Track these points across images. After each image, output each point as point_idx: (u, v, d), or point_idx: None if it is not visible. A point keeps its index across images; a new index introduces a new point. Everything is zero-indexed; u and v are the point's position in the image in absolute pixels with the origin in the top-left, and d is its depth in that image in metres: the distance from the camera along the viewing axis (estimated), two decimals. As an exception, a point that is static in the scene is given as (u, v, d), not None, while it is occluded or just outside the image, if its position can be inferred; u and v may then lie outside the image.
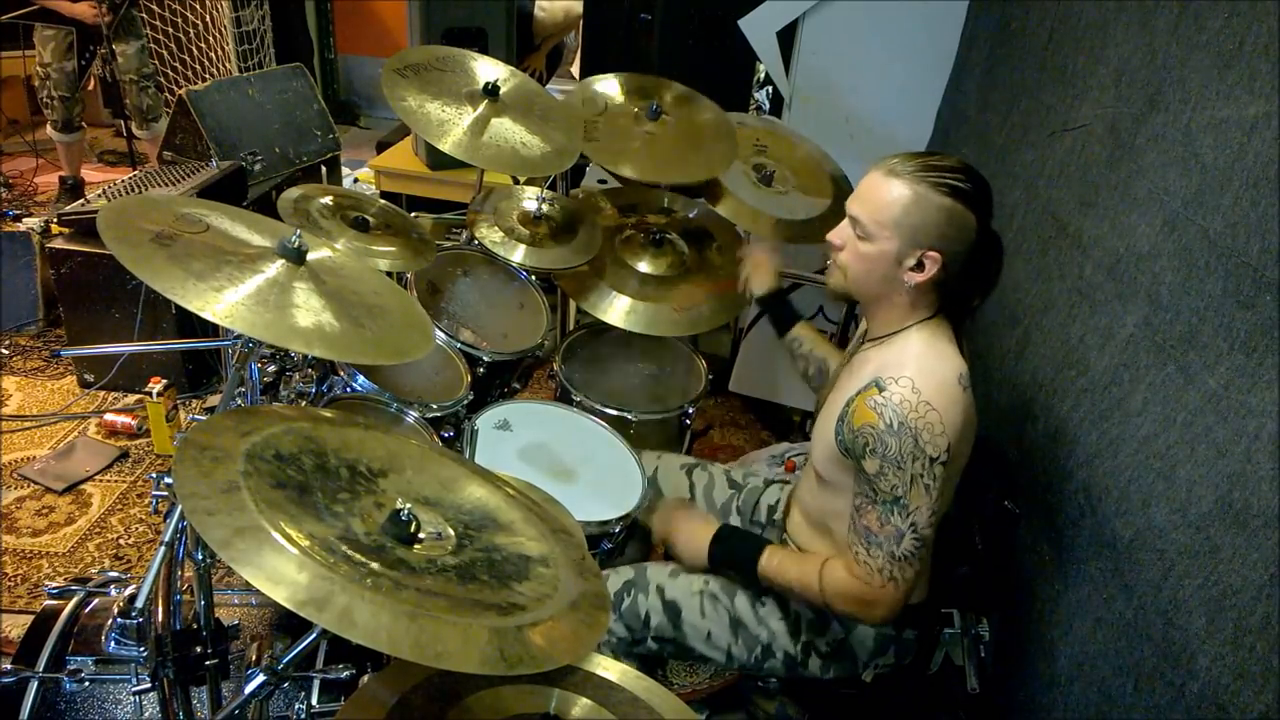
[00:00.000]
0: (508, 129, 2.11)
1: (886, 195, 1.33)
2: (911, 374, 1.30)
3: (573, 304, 2.82)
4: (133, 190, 2.98)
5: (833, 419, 1.39)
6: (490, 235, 2.11)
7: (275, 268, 1.23)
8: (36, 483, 2.54)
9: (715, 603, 1.56)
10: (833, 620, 1.50)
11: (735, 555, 1.53)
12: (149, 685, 1.31)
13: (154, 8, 3.87)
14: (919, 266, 1.34)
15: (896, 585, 1.34)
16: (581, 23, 4.18)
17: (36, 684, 1.35)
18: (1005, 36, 2.25)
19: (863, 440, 1.31)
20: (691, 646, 1.57)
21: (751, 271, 1.91)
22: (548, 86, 4.35)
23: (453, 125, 2.06)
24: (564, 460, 1.84)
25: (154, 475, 1.48)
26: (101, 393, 2.95)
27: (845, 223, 1.41)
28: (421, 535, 0.98)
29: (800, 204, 2.28)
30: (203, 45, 3.97)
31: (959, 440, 1.31)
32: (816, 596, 1.41)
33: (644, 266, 2.23)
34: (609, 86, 2.37)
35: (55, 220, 3.02)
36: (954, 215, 1.31)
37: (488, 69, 2.24)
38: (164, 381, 2.61)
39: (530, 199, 2.24)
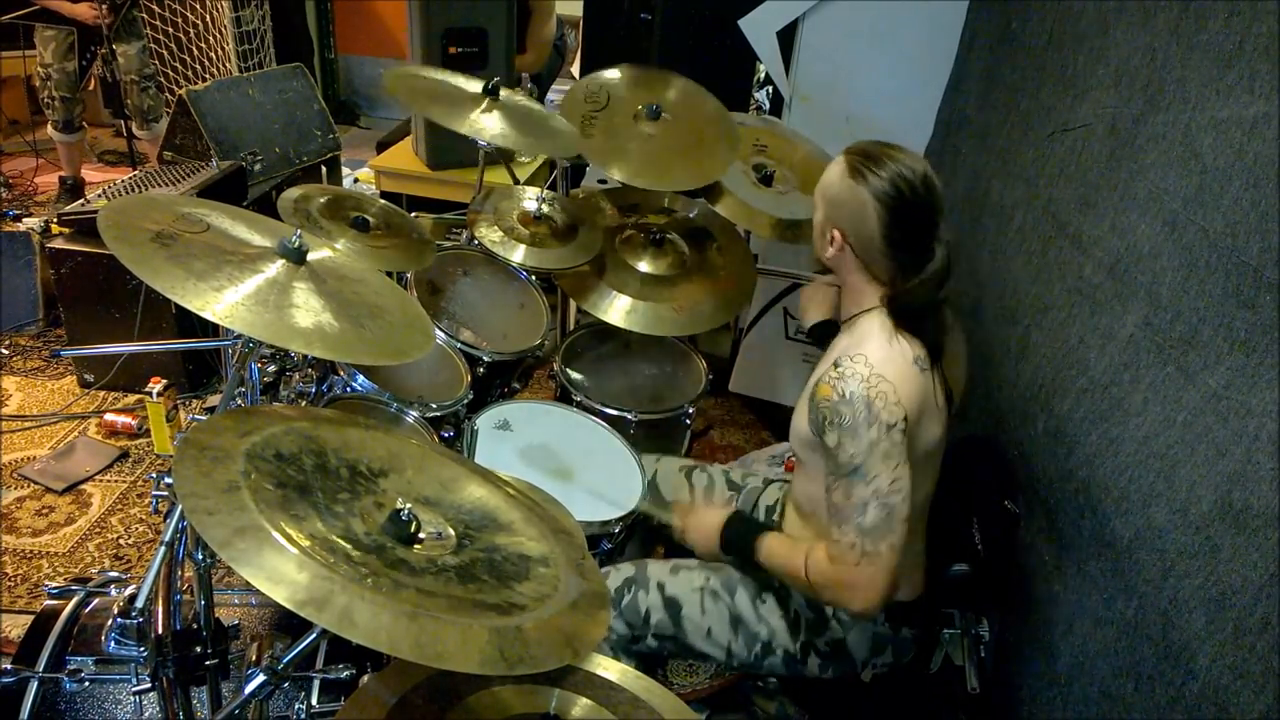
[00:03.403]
0: (517, 117, 2.14)
1: (830, 168, 1.44)
2: (866, 352, 1.35)
3: (573, 304, 2.82)
4: (133, 190, 2.98)
5: (805, 401, 1.43)
6: (490, 235, 2.11)
7: (275, 268, 1.23)
8: (36, 483, 2.54)
9: (716, 600, 1.56)
10: (831, 619, 1.51)
11: (739, 541, 1.52)
12: (149, 685, 1.31)
13: (154, 8, 3.87)
14: (831, 240, 1.43)
15: (871, 561, 1.30)
16: (581, 22, 4.18)
17: (36, 684, 1.35)
18: (1005, 37, 2.25)
19: (822, 415, 1.34)
20: (691, 643, 1.57)
21: (809, 302, 1.92)
22: (550, 90, 4.36)
23: (463, 115, 2.09)
24: (564, 460, 1.84)
25: (154, 475, 1.48)
26: (101, 393, 2.95)
27: None
28: (422, 535, 0.98)
29: (801, 204, 2.28)
30: (203, 45, 3.97)
31: (916, 413, 1.33)
32: (804, 583, 1.40)
33: (644, 266, 2.23)
34: (613, 77, 2.37)
35: (55, 220, 3.02)
36: (856, 200, 1.37)
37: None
38: (164, 381, 2.61)
39: (530, 199, 2.24)
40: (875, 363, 1.33)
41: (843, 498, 1.32)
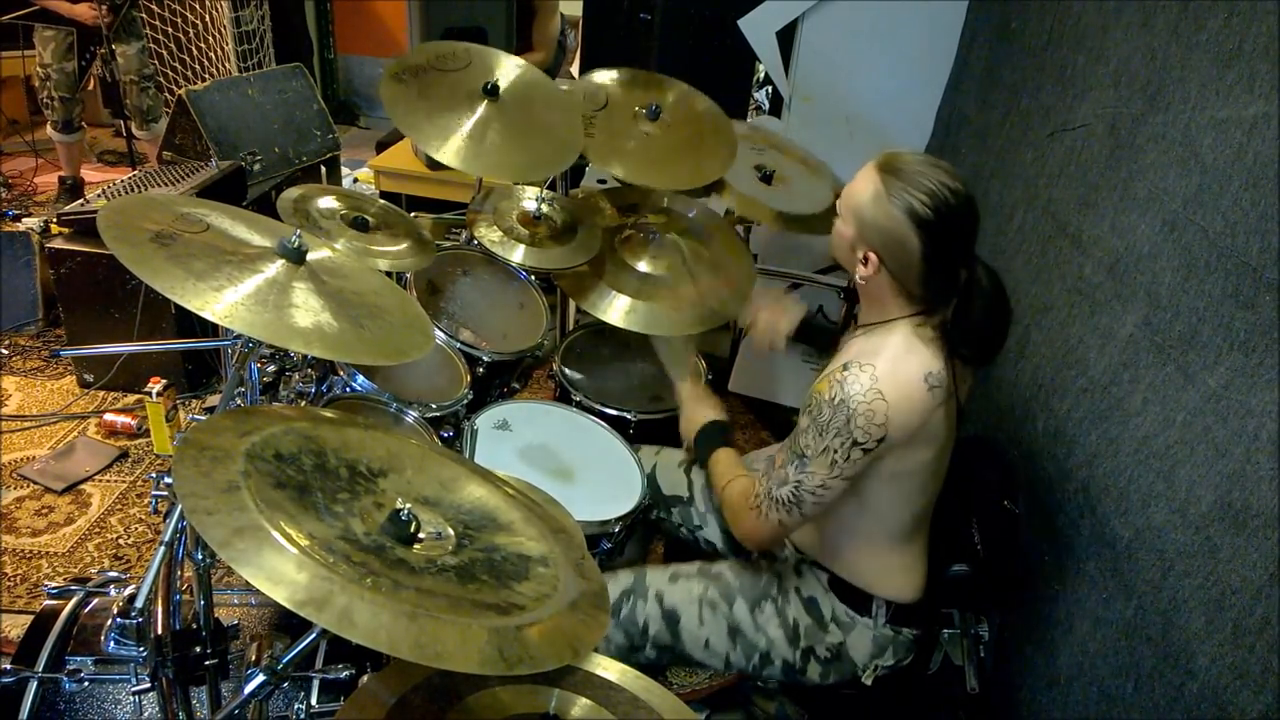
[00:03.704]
0: (508, 132, 2.10)
1: (861, 183, 1.37)
2: (877, 363, 1.33)
3: (572, 304, 2.82)
4: (132, 190, 2.98)
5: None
6: (490, 235, 2.11)
7: (275, 268, 1.23)
8: (36, 483, 2.54)
9: (714, 610, 1.56)
10: (830, 622, 1.51)
11: (704, 446, 1.71)
12: (148, 685, 1.31)
13: (154, 8, 3.87)
14: (864, 261, 1.38)
15: (762, 519, 1.45)
16: (581, 22, 4.19)
17: (36, 684, 1.35)
18: (1005, 36, 2.25)
19: (807, 401, 1.38)
20: (690, 654, 1.57)
21: (773, 320, 1.89)
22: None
23: (452, 134, 2.03)
24: (564, 460, 1.84)
25: (154, 475, 1.48)
26: (101, 393, 2.95)
27: None
28: (421, 535, 0.98)
29: (803, 198, 2.28)
30: (202, 45, 3.97)
31: (902, 435, 1.33)
32: (719, 492, 1.60)
33: (644, 266, 2.23)
34: (609, 80, 2.35)
35: (55, 220, 3.02)
36: (896, 229, 1.32)
37: (487, 63, 2.22)
38: (164, 381, 2.60)
39: (530, 199, 2.23)
40: (881, 376, 1.31)
41: (781, 464, 1.42)
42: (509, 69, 2.19)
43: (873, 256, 1.36)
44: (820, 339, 1.90)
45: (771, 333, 1.89)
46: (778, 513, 1.42)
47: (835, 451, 1.33)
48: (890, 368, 1.32)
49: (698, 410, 1.79)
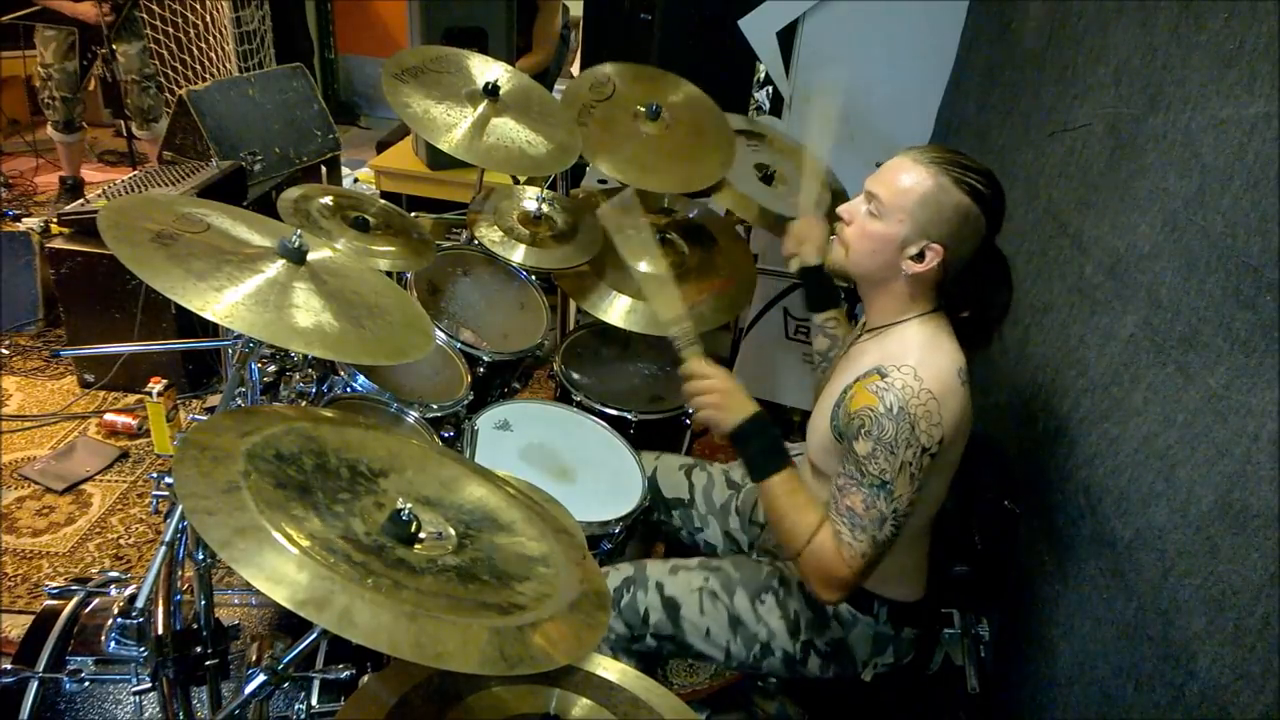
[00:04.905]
0: (510, 128, 2.11)
1: (909, 180, 1.34)
2: (914, 363, 1.30)
3: (573, 304, 2.82)
4: (133, 190, 2.98)
5: (829, 407, 1.40)
6: (490, 235, 2.11)
7: (275, 268, 1.23)
8: (37, 483, 2.54)
9: (714, 600, 1.56)
10: (832, 619, 1.51)
11: (755, 450, 1.43)
12: (149, 685, 1.31)
13: (155, 8, 3.87)
14: (920, 257, 1.35)
15: (867, 570, 1.33)
16: (581, 22, 4.19)
17: (36, 684, 1.35)
18: (1005, 36, 2.25)
19: (858, 422, 1.30)
20: (690, 644, 1.57)
21: (802, 241, 1.77)
22: (554, 88, 4.36)
23: (456, 126, 2.06)
24: (564, 460, 1.84)
25: (154, 475, 1.48)
26: (101, 393, 2.95)
27: (859, 199, 1.42)
28: (422, 535, 0.98)
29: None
30: (203, 45, 3.97)
31: (953, 434, 1.31)
32: (796, 544, 1.37)
33: (644, 266, 2.23)
34: (618, 74, 2.34)
35: (55, 220, 3.02)
36: (968, 216, 1.32)
37: (483, 69, 2.23)
38: (164, 381, 2.61)
39: (530, 199, 2.24)
40: (925, 377, 1.29)
41: (862, 507, 1.31)
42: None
43: (936, 249, 1.33)
44: (820, 293, 1.75)
45: (797, 244, 1.76)
46: (884, 554, 1.33)
47: (911, 465, 1.28)
48: (927, 366, 1.30)
49: (735, 395, 1.45)
